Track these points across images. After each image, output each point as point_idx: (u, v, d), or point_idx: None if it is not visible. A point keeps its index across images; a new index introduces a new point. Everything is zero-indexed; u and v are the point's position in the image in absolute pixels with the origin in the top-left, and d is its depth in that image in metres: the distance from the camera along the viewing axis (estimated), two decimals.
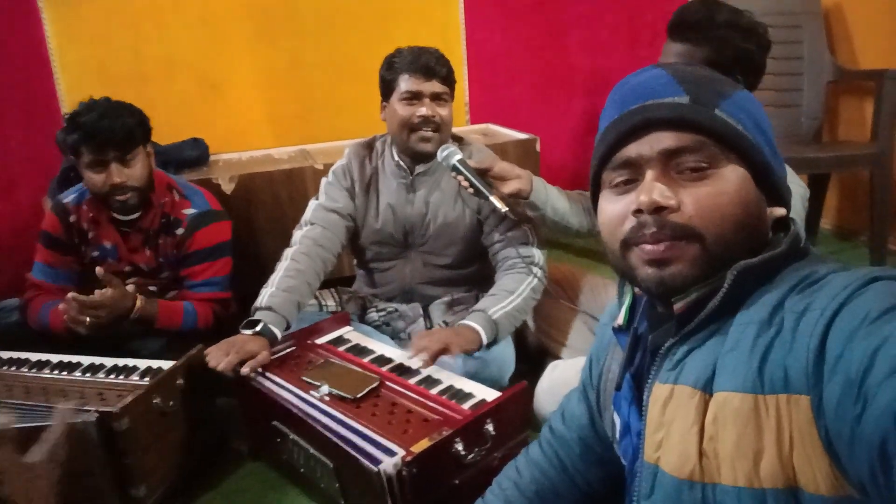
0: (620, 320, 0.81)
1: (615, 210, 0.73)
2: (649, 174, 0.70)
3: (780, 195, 0.71)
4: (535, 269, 1.65)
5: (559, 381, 1.53)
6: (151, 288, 1.81)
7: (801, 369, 0.58)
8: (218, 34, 2.63)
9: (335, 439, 1.18)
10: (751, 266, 0.66)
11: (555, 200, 1.66)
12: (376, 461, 1.11)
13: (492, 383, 1.42)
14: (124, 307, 1.59)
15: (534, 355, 1.85)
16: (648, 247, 0.69)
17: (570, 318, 1.85)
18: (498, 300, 1.58)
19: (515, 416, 1.28)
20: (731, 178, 0.68)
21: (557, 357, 1.79)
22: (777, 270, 0.67)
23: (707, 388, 0.66)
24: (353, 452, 1.14)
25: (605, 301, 1.85)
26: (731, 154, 0.68)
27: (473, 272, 1.81)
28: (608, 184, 0.75)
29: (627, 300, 0.82)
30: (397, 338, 1.79)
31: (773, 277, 0.67)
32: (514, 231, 1.68)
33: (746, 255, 0.67)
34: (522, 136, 2.58)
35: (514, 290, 1.60)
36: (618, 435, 0.84)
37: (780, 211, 0.71)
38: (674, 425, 0.68)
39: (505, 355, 1.59)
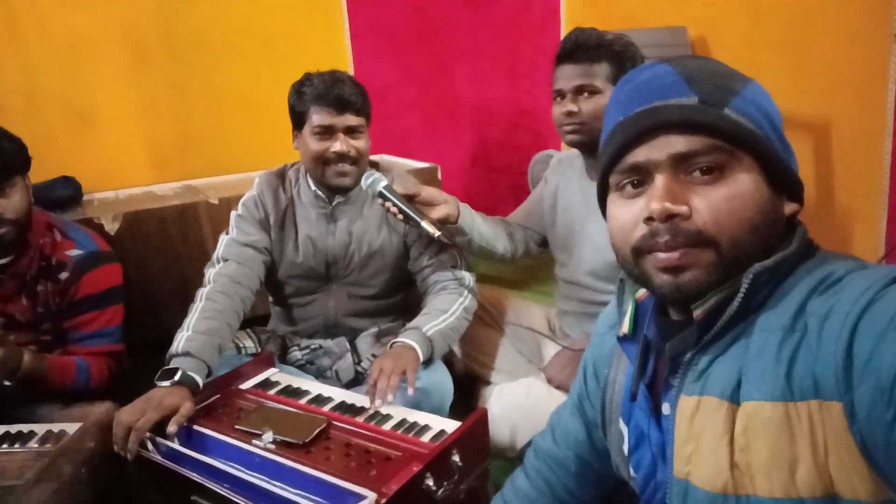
0: (625, 329, 0.79)
1: (626, 216, 0.70)
2: (659, 179, 0.67)
3: (793, 189, 0.70)
4: (466, 291, 1.63)
5: (510, 406, 1.51)
6: (31, 347, 1.54)
7: (830, 375, 0.57)
8: (87, 61, 2.40)
9: None
10: (766, 268, 0.65)
11: (480, 225, 1.66)
12: None
13: (433, 414, 1.35)
14: (10, 364, 1.37)
15: (461, 382, 1.81)
16: (662, 255, 0.67)
17: (497, 341, 1.85)
18: (431, 318, 1.53)
19: (477, 444, 1.24)
20: (745, 179, 0.66)
21: (487, 382, 1.78)
22: (791, 269, 0.67)
23: (734, 398, 0.64)
24: None
25: (530, 322, 1.86)
26: (743, 153, 0.66)
27: (400, 301, 1.76)
28: (616, 187, 0.72)
29: (631, 308, 0.79)
30: (322, 377, 1.68)
31: (787, 276, 0.66)
32: (443, 255, 1.65)
33: (761, 257, 0.65)
34: (423, 164, 2.57)
35: (446, 310, 1.56)
36: (626, 447, 0.81)
37: (793, 206, 0.70)
38: (703, 438, 0.66)
39: (445, 384, 1.54)
